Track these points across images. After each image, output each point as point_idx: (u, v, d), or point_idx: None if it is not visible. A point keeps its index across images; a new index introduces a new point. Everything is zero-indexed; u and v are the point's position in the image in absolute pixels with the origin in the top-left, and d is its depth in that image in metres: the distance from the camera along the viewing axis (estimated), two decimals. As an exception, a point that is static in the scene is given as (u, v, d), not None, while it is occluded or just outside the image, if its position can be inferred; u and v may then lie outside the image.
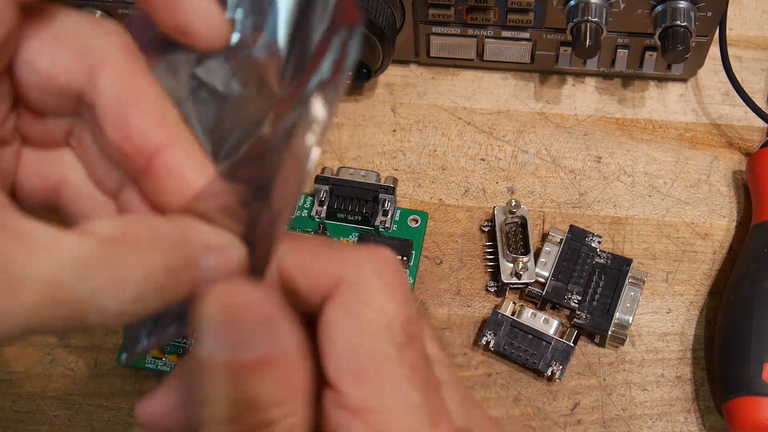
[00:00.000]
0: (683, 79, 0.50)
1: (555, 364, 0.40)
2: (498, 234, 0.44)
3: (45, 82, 0.24)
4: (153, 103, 0.25)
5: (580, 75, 0.50)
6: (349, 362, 0.23)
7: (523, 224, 0.44)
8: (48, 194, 0.27)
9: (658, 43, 0.45)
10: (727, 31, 0.48)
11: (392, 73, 0.51)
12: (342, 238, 0.44)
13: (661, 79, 0.50)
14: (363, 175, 0.45)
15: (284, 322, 0.23)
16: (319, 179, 0.45)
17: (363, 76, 0.48)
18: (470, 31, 0.48)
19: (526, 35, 0.47)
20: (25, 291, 0.20)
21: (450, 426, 0.24)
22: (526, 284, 0.42)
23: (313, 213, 0.45)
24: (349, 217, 0.45)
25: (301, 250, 0.24)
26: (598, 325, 0.41)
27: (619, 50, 0.47)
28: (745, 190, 0.46)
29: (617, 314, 0.41)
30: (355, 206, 0.44)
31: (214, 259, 0.23)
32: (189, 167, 0.25)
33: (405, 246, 0.43)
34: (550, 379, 0.41)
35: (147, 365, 0.42)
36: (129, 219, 0.23)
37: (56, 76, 0.24)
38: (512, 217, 0.44)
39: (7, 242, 0.20)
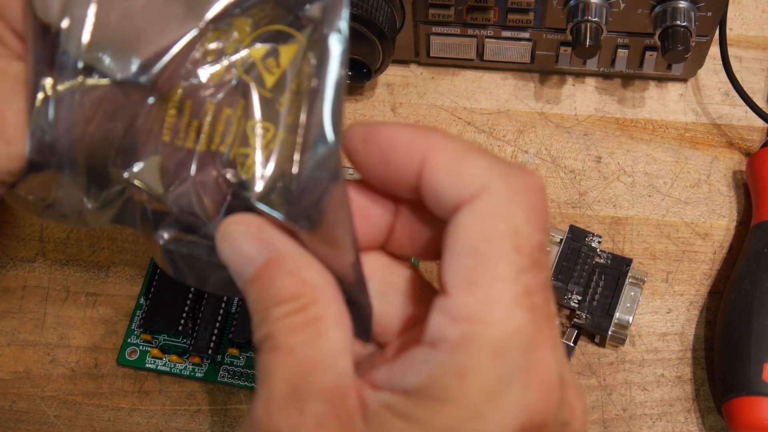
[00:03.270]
0: (683, 79, 0.50)
1: (555, 364, 0.40)
2: (498, 234, 0.43)
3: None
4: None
5: (580, 75, 0.50)
6: (465, 269, 0.23)
7: (523, 224, 0.44)
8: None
9: (658, 43, 0.45)
10: (727, 31, 0.48)
11: (392, 73, 0.51)
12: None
13: (661, 79, 0.50)
14: (363, 175, 0.45)
15: (272, 233, 0.25)
16: (319, 179, 0.45)
17: (363, 76, 0.48)
18: (470, 31, 0.48)
19: (526, 35, 0.47)
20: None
21: (552, 358, 0.23)
22: (526, 284, 0.42)
23: (313, 213, 0.45)
24: (349, 217, 0.45)
25: (455, 149, 0.24)
26: (598, 325, 0.41)
27: (619, 50, 0.47)
28: (745, 190, 0.46)
29: (617, 314, 0.41)
30: (355, 206, 0.44)
31: None
32: None
33: (405, 246, 0.43)
34: (550, 379, 0.41)
35: (147, 365, 0.42)
36: None
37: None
38: (512, 217, 0.44)
39: None
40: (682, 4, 0.43)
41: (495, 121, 0.49)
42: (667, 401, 0.41)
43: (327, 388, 0.24)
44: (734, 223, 0.45)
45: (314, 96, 0.25)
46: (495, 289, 0.23)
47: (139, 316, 0.43)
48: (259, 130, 0.26)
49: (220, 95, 0.27)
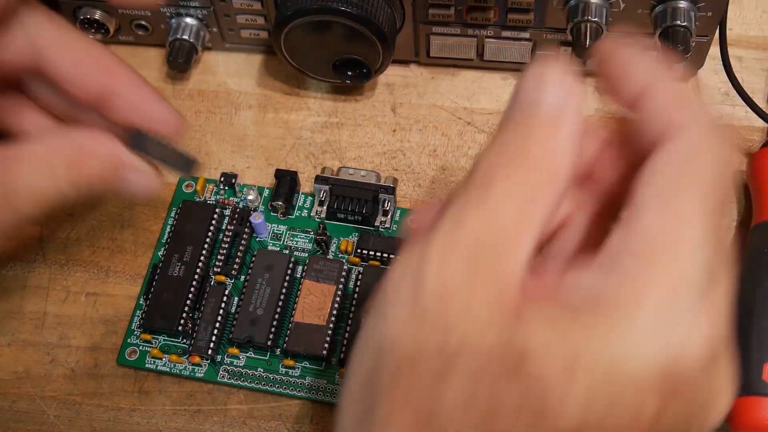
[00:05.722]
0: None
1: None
2: (498, 234, 0.43)
3: (2, 68, 0.33)
4: (94, 55, 0.34)
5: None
6: (659, 196, 0.24)
7: (523, 224, 0.43)
8: None
9: (658, 43, 0.45)
10: (727, 31, 0.48)
11: (392, 73, 0.51)
12: (342, 239, 0.44)
13: (661, 79, 0.50)
14: (363, 175, 0.45)
15: (577, 105, 0.26)
16: (319, 179, 0.45)
17: (363, 76, 0.48)
18: (470, 31, 0.48)
19: (526, 35, 0.47)
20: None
21: (720, 301, 0.24)
22: (526, 284, 0.42)
23: (313, 213, 0.45)
24: (349, 217, 0.45)
25: (677, 90, 0.26)
26: (598, 325, 0.41)
27: (619, 50, 0.47)
28: (745, 190, 0.46)
29: (617, 314, 0.41)
30: (355, 206, 0.44)
31: (135, 175, 0.34)
32: (137, 97, 0.34)
33: (405, 246, 0.43)
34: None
35: (147, 365, 0.42)
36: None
37: (11, 62, 0.33)
38: (512, 217, 0.43)
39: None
40: (682, 4, 0.43)
41: (495, 121, 0.49)
42: (667, 401, 0.41)
43: (502, 276, 0.23)
44: (734, 223, 0.45)
45: None
46: (683, 219, 0.23)
47: (139, 316, 0.43)
48: None
49: None
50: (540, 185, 0.25)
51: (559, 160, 0.25)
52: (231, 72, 0.51)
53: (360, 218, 0.44)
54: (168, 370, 0.42)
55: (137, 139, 0.34)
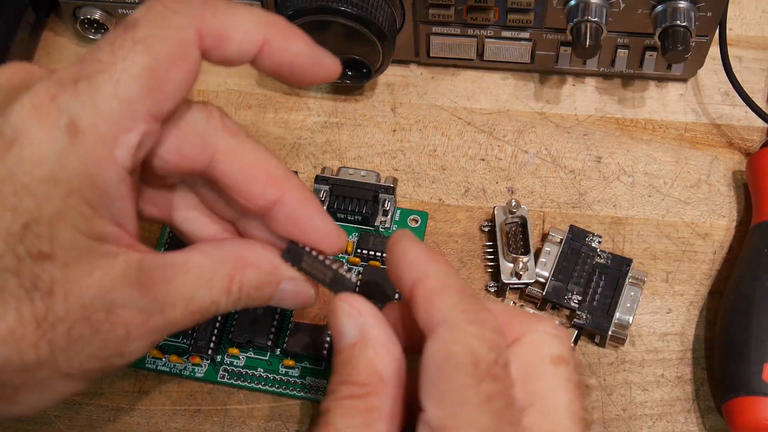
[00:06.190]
0: (683, 79, 0.50)
1: (555, 364, 0.40)
2: (498, 234, 0.44)
3: (173, 169, 0.31)
4: (264, 167, 0.32)
5: (580, 75, 0.50)
6: (434, 386, 0.27)
7: (523, 224, 0.44)
8: (162, 217, 0.34)
9: (658, 43, 0.45)
10: (727, 31, 0.48)
11: (392, 73, 0.51)
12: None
13: (661, 79, 0.50)
14: (363, 175, 0.45)
15: (369, 318, 0.30)
16: (319, 179, 0.45)
17: (363, 76, 0.48)
18: (470, 31, 0.48)
19: (526, 35, 0.47)
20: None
21: None
22: (526, 284, 0.42)
23: (313, 213, 0.45)
24: (349, 217, 0.45)
25: (437, 282, 0.29)
26: (598, 325, 0.41)
27: (619, 50, 0.47)
28: (745, 190, 0.46)
29: (617, 314, 0.41)
30: (355, 206, 0.44)
31: (290, 285, 0.34)
32: (301, 211, 0.33)
33: (405, 246, 0.43)
34: (550, 379, 0.41)
35: (147, 365, 0.42)
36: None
37: (183, 165, 0.31)
38: (512, 217, 0.44)
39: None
40: (682, 4, 0.43)
41: (495, 121, 0.49)
42: (667, 401, 0.41)
43: None
44: (734, 223, 0.45)
45: None
46: (458, 397, 0.27)
47: (139, 316, 0.43)
48: None
49: None
50: (372, 394, 0.29)
51: (379, 366, 0.29)
52: (231, 72, 0.51)
53: (360, 218, 0.44)
54: (168, 370, 0.42)
55: (294, 254, 0.34)
